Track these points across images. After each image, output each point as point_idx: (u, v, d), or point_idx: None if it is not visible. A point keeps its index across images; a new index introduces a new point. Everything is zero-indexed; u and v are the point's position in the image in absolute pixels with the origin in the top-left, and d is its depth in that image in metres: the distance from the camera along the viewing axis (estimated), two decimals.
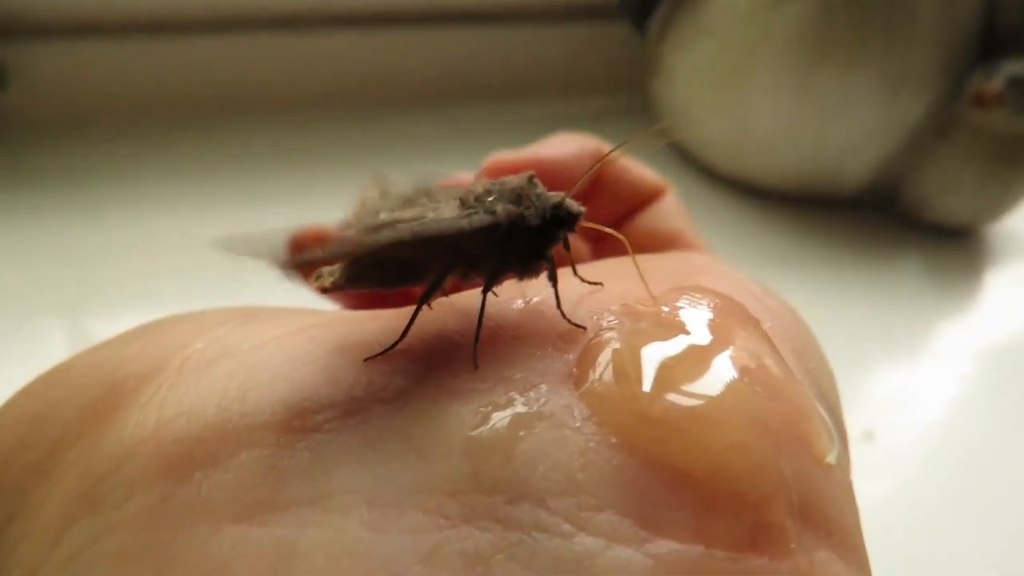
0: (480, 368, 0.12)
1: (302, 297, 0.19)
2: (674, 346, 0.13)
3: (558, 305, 0.14)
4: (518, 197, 0.14)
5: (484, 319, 0.13)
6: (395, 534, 0.10)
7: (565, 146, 0.22)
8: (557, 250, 0.14)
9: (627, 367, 0.12)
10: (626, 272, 0.14)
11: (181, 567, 0.10)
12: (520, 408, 0.12)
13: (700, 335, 0.13)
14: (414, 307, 0.14)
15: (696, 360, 0.13)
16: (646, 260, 0.18)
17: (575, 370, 0.12)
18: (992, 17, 0.46)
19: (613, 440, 0.11)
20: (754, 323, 0.14)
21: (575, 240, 0.26)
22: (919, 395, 0.39)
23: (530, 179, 0.14)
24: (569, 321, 0.13)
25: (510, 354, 0.13)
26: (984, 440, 0.37)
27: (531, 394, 0.12)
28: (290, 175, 0.51)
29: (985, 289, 0.48)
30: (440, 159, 0.54)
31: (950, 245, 0.50)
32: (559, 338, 0.13)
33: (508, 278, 0.14)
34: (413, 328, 0.13)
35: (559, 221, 0.14)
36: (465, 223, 0.13)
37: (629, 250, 0.14)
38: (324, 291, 0.15)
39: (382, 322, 0.14)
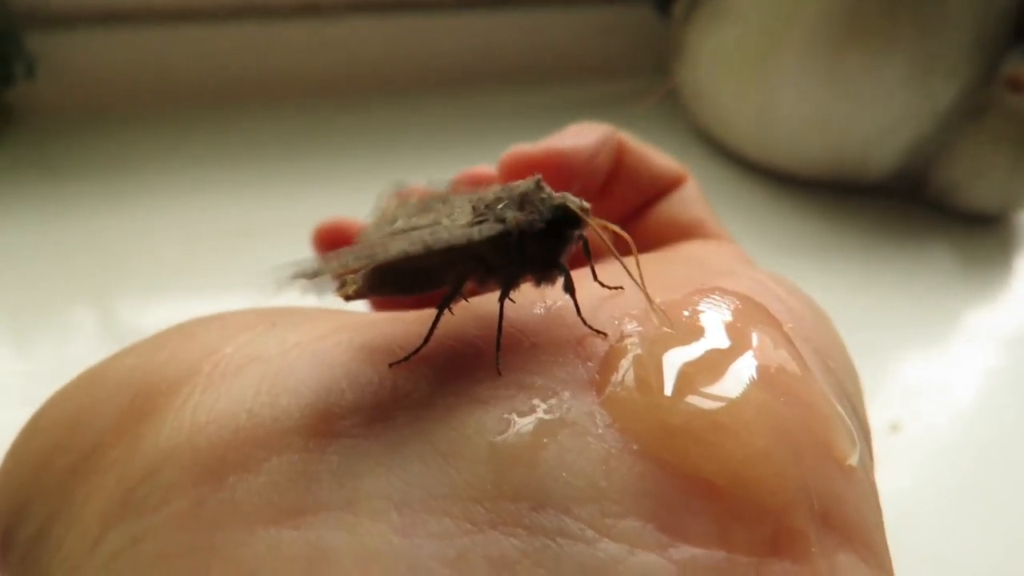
0: (503, 375, 0.13)
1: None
2: (694, 351, 0.13)
3: (578, 313, 0.14)
4: (524, 202, 0.14)
5: (505, 325, 0.13)
6: (423, 539, 0.11)
7: (583, 137, 0.22)
8: (577, 250, 0.14)
9: (648, 374, 0.12)
10: (648, 273, 0.14)
11: (218, 569, 0.11)
12: (542, 415, 0.12)
13: (720, 339, 0.13)
14: (435, 311, 0.14)
15: (716, 366, 0.13)
16: (665, 261, 0.18)
17: (596, 376, 0.12)
18: None
19: (635, 447, 0.11)
20: (775, 325, 0.14)
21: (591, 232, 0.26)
22: (947, 384, 0.39)
23: (537, 183, 0.14)
24: (590, 327, 0.14)
25: (532, 360, 0.13)
26: (1013, 430, 0.37)
27: (553, 401, 0.12)
28: (315, 161, 0.52)
29: (1016, 277, 0.47)
30: (461, 145, 0.54)
31: (980, 232, 0.49)
32: (580, 344, 0.13)
33: (526, 283, 0.14)
34: (435, 333, 0.14)
35: (564, 221, 0.14)
36: (475, 232, 0.13)
37: (634, 253, 0.14)
38: (348, 298, 0.15)
39: (404, 326, 0.14)
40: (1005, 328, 0.43)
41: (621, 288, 0.15)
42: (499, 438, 0.11)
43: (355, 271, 0.15)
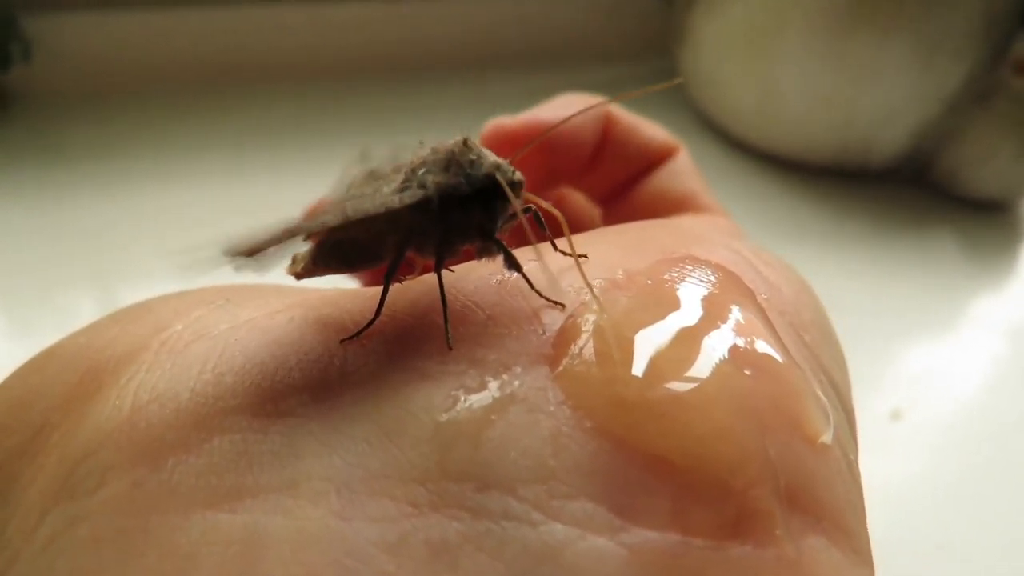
0: (454, 349, 0.12)
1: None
2: (657, 324, 0.12)
3: (531, 287, 0.13)
4: (449, 164, 0.13)
5: (456, 297, 0.13)
6: (362, 522, 0.10)
7: (568, 108, 0.21)
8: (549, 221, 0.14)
9: (605, 347, 0.12)
10: (616, 242, 0.14)
11: (152, 554, 0.10)
12: (493, 391, 0.11)
13: (686, 311, 0.13)
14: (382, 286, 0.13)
15: (679, 339, 0.12)
16: (639, 228, 0.17)
17: (552, 350, 0.12)
18: None
19: (588, 424, 0.11)
20: (747, 295, 0.14)
21: (582, 204, 0.25)
22: (950, 372, 0.38)
23: (465, 142, 0.13)
24: (546, 299, 0.13)
25: (485, 334, 0.12)
26: (1015, 417, 0.36)
27: (505, 377, 0.11)
28: (314, 144, 0.51)
29: (1021, 265, 0.46)
30: (462, 129, 0.53)
31: (985, 218, 0.49)
32: (536, 317, 0.12)
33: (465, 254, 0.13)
34: (388, 308, 0.13)
35: (492, 191, 0.13)
36: (394, 200, 0.12)
37: (566, 232, 0.13)
38: (298, 276, 0.14)
39: (359, 301, 0.14)
40: (1009, 316, 0.42)
41: (585, 257, 0.14)
42: (445, 416, 0.11)
43: (267, 247, 0.14)
